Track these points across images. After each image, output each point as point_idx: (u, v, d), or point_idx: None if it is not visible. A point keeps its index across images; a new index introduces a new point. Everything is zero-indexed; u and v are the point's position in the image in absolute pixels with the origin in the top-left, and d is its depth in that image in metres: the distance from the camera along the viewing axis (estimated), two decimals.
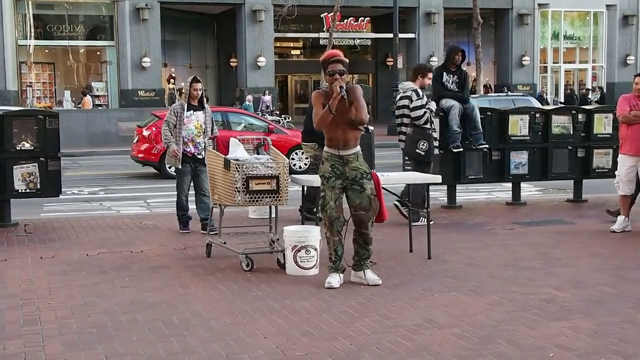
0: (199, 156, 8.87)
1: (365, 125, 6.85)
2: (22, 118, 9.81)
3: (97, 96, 31.60)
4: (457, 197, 11.19)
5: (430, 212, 7.75)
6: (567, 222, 9.78)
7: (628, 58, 39.49)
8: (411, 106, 9.58)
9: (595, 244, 8.32)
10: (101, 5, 31.71)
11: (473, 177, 10.89)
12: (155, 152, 15.99)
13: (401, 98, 9.81)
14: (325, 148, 6.60)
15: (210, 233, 7.80)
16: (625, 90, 10.88)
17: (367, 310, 5.79)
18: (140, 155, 16.48)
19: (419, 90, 9.62)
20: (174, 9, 33.49)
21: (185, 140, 8.88)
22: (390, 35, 29.01)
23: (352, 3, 33.50)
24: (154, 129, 16.08)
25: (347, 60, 6.63)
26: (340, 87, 6.37)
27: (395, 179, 8.01)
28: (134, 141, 17.08)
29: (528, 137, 10.98)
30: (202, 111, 9.02)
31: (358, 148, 6.56)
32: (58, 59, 33.05)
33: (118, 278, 6.90)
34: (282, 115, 30.02)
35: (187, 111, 8.94)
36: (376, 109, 38.00)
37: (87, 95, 29.06)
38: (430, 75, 9.84)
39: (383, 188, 6.94)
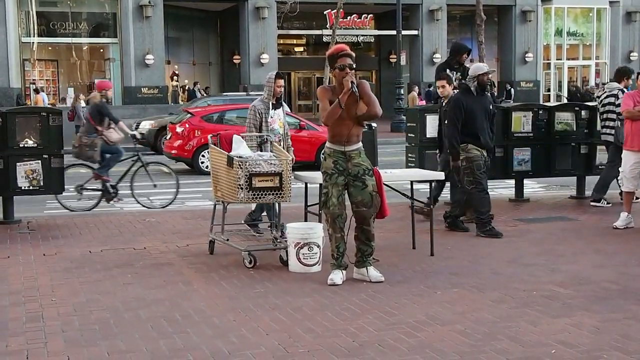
0: None
1: (368, 123, 6.85)
2: (26, 115, 9.82)
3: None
4: None
5: (432, 209, 7.74)
6: (570, 218, 9.77)
7: (631, 54, 39.39)
8: (616, 103, 10.26)
9: (598, 241, 8.31)
10: (104, 2, 31.70)
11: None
12: (189, 148, 16.52)
13: (607, 96, 10.59)
14: (328, 144, 6.59)
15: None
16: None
17: (370, 307, 5.79)
18: (173, 151, 16.88)
19: (624, 89, 10.42)
20: (177, 6, 33.48)
21: (272, 141, 8.15)
22: (394, 32, 28.96)
23: (355, 0, 33.46)
24: (187, 126, 16.75)
25: (354, 55, 6.62)
26: (352, 82, 6.36)
27: (398, 175, 8.00)
28: (167, 138, 17.54)
29: (531, 134, 10.96)
30: (281, 108, 8.47)
31: (360, 144, 6.57)
32: (61, 56, 33.04)
33: (121, 275, 6.91)
34: None
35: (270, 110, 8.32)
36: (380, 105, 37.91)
37: (40, 93, 28.96)
38: (632, 76, 10.69)
39: (385, 185, 6.94)
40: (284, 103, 8.62)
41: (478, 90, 8.64)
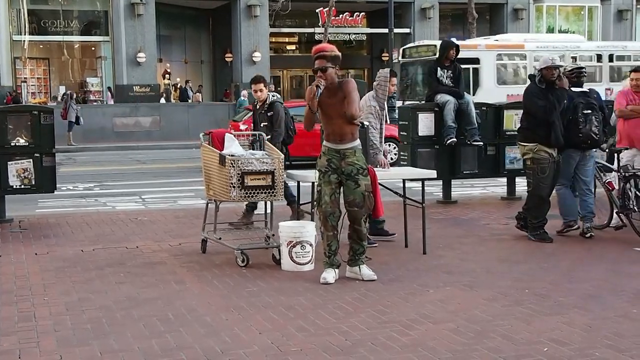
0: None
1: (360, 121, 6.83)
2: (17, 114, 9.79)
3: (91, 92, 31.56)
4: (452, 192, 11.21)
5: (425, 207, 7.75)
6: None
7: None
8: None
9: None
10: (96, 0, 31.64)
11: (468, 172, 10.90)
12: None
13: None
14: (324, 142, 6.59)
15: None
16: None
17: (363, 305, 5.79)
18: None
19: None
20: (168, 4, 33.43)
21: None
22: (386, 30, 28.96)
23: None
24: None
25: (337, 54, 6.54)
26: (317, 86, 6.36)
27: (390, 174, 8.01)
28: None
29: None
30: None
31: (356, 142, 6.54)
32: (53, 54, 32.97)
33: (113, 274, 6.89)
34: None
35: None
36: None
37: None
38: None
39: (380, 184, 6.94)
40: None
41: (544, 85, 8.07)
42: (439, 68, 10.59)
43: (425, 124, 10.58)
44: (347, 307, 5.75)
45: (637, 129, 8.95)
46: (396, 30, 30.63)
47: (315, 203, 6.79)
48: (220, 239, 7.49)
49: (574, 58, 22.86)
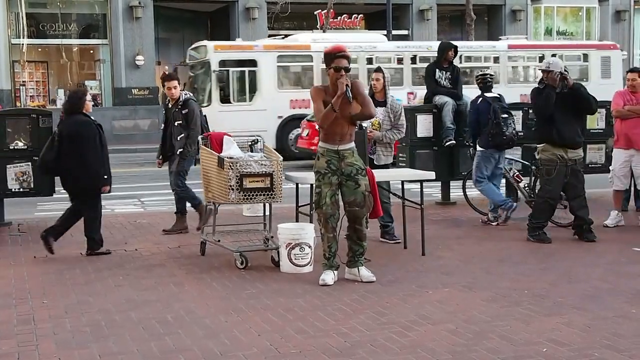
0: None
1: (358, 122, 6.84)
2: (15, 117, 9.79)
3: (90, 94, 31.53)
4: (451, 194, 11.21)
5: (424, 208, 7.75)
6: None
7: (621, 54, 39.53)
8: None
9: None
10: (94, 3, 31.61)
11: (467, 173, 10.88)
12: None
13: None
14: (321, 143, 6.57)
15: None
16: None
17: (361, 307, 5.79)
18: (312, 147, 16.76)
19: None
20: (167, 6, 33.40)
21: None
22: (384, 32, 29.00)
23: (345, 0, 33.46)
24: None
25: (351, 57, 6.60)
26: (346, 85, 6.33)
27: (389, 175, 8.01)
28: (304, 134, 17.55)
29: (521, 133, 10.97)
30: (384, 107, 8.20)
31: (353, 144, 6.56)
32: (51, 57, 32.91)
33: (112, 277, 6.89)
34: None
35: None
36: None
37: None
38: None
39: (378, 185, 6.95)
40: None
41: (543, 85, 8.10)
42: (437, 70, 10.60)
43: (424, 125, 10.58)
44: (346, 308, 5.75)
45: (634, 129, 8.97)
46: (394, 32, 30.63)
47: (314, 205, 6.79)
48: (219, 241, 7.49)
49: (370, 60, 20.38)
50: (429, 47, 21.58)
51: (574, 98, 8.09)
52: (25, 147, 9.52)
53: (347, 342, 4.96)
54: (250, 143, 7.98)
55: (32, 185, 9.57)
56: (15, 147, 9.50)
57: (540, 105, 8.16)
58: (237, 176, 7.06)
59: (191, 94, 9.25)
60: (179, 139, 8.87)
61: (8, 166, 9.45)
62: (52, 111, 10.42)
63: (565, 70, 8.14)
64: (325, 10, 31.07)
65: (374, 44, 21.14)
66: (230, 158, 7.18)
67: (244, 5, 32.79)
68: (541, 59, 20.76)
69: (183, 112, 8.89)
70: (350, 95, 6.33)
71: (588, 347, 4.82)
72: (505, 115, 9.10)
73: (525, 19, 37.90)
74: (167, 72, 9.04)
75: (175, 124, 8.94)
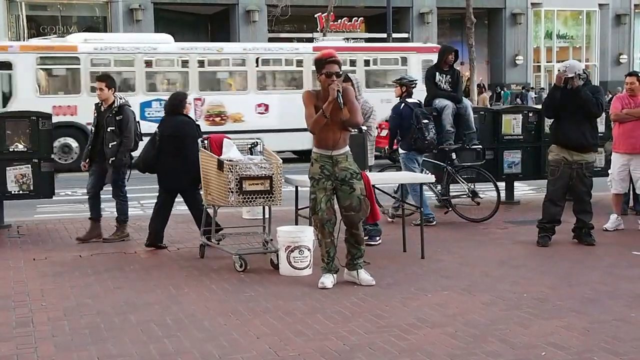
0: None
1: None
2: (15, 119, 9.78)
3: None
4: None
5: (422, 211, 7.75)
6: (560, 221, 9.77)
7: (621, 57, 39.61)
8: None
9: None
10: (94, 6, 31.67)
11: (466, 176, 10.89)
12: None
13: None
14: (315, 149, 6.56)
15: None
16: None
17: (361, 310, 5.79)
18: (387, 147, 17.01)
19: None
20: (167, 9, 33.49)
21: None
22: (384, 35, 29.04)
23: (345, 3, 33.53)
24: None
25: (342, 61, 6.60)
26: (338, 91, 6.32)
27: (387, 178, 8.02)
28: (382, 134, 16.69)
29: (521, 136, 11.00)
30: None
31: (347, 148, 6.55)
32: None
33: (111, 279, 6.89)
34: None
35: None
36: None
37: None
38: None
39: (375, 187, 6.94)
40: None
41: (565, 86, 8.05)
42: (437, 73, 10.59)
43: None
44: (345, 311, 5.75)
45: (632, 133, 8.97)
46: (394, 35, 30.70)
47: (310, 211, 6.78)
48: (218, 243, 7.48)
49: (148, 63, 19.09)
50: (219, 49, 20.56)
51: (576, 98, 8.07)
52: (25, 149, 9.50)
53: (346, 345, 4.96)
54: (250, 146, 7.99)
55: (31, 188, 9.55)
56: (15, 150, 9.48)
57: (544, 105, 8.46)
58: (236, 179, 7.07)
59: (126, 100, 8.83)
60: (110, 146, 8.50)
61: (7, 168, 9.44)
62: (51, 113, 10.42)
63: (584, 72, 8.13)
64: (326, 14, 31.13)
65: (155, 46, 19.47)
66: (230, 161, 7.19)
67: (245, 8, 32.85)
68: (353, 62, 20.03)
69: (117, 118, 8.53)
70: (342, 101, 6.31)
71: (587, 350, 4.82)
72: (426, 121, 9.38)
73: (526, 22, 37.97)
74: (103, 73, 8.76)
75: (108, 129, 8.51)
